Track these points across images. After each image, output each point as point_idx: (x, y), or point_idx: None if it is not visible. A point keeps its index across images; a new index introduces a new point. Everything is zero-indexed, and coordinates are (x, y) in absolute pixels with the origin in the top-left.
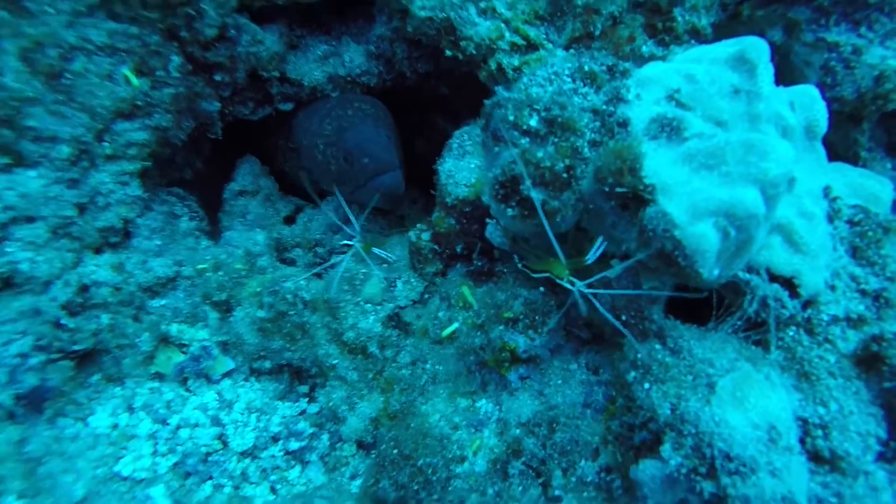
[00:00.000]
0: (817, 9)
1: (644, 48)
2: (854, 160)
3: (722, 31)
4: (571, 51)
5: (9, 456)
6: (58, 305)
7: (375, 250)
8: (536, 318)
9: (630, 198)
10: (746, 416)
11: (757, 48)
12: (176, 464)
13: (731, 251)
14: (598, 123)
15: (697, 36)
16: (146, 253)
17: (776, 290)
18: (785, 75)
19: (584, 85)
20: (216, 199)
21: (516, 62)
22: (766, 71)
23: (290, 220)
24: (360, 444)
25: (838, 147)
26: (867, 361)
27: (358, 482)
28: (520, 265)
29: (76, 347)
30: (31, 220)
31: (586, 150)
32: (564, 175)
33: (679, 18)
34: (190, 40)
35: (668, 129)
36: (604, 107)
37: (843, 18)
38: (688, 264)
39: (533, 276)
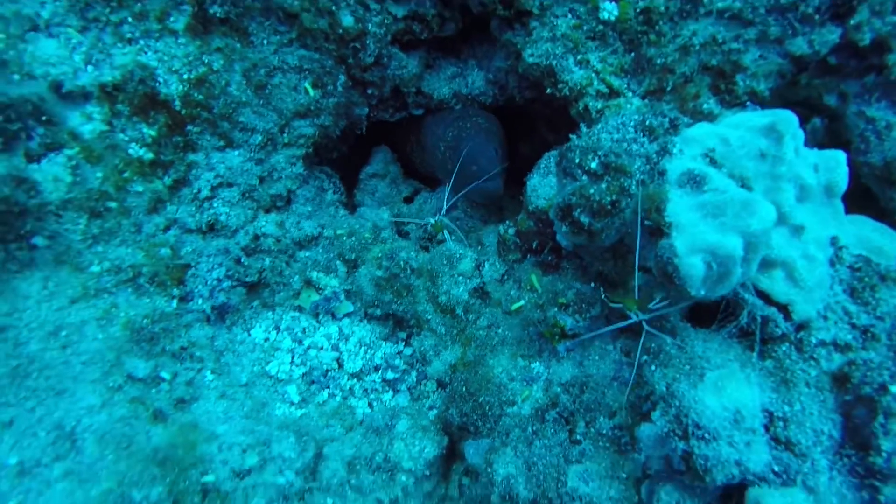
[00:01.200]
0: (863, 85)
1: (705, 105)
2: (892, 214)
3: (782, 93)
4: (646, 100)
5: (205, 346)
6: (240, 248)
7: (445, 221)
8: (584, 305)
9: (655, 229)
10: (720, 401)
11: (786, 121)
12: (304, 373)
13: (714, 279)
14: (647, 167)
15: (755, 98)
16: (300, 216)
17: (773, 312)
18: (839, 134)
19: (643, 135)
20: (354, 179)
21: (599, 105)
22: (792, 140)
23: (408, 200)
24: (440, 383)
25: (882, 201)
26: (840, 379)
27: (434, 413)
28: (603, 297)
29: (248, 279)
30: (230, 185)
31: (633, 188)
32: (609, 206)
33: (740, 83)
34: (353, 65)
35: (693, 182)
36: (654, 156)
37: (883, 97)
38: (681, 284)
39: (610, 304)
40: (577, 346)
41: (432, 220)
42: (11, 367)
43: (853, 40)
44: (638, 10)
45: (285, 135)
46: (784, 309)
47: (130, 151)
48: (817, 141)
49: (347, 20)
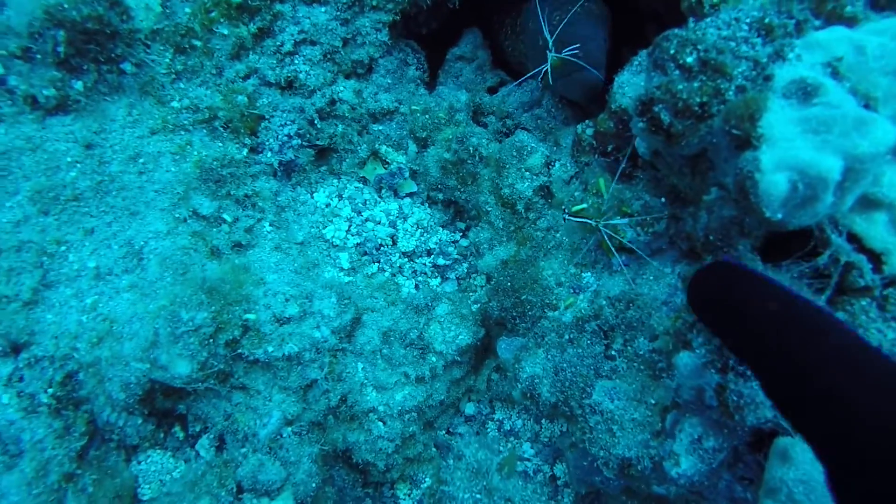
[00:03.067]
0: None
1: (849, 7)
2: None
3: None
4: None
5: (268, 198)
6: (314, 109)
7: (567, 52)
8: (648, 219)
9: (742, 140)
10: None
11: None
12: (358, 244)
13: (796, 202)
14: (753, 73)
15: None
16: (379, 87)
17: (861, 260)
18: None
19: (758, 35)
20: (440, 59)
21: (715, 0)
22: None
23: (492, 90)
24: (489, 278)
25: None
26: None
27: (477, 307)
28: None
29: (318, 142)
30: (313, 43)
31: (730, 93)
32: (697, 109)
33: None
34: None
35: (803, 92)
36: (764, 59)
37: None
38: (756, 202)
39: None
40: (633, 262)
41: (550, 56)
42: (96, 181)
43: None
44: None
45: None
46: (877, 259)
47: None
48: None
49: None
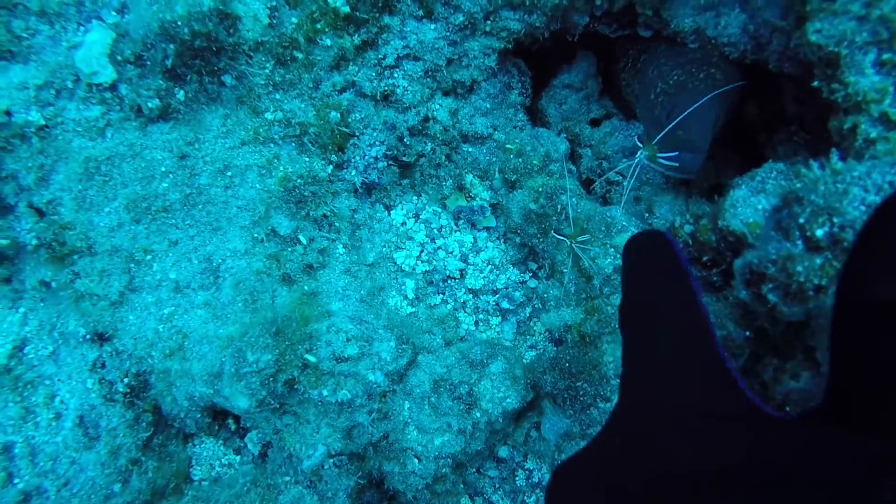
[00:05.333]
0: None
1: None
2: None
3: None
4: None
5: (345, 217)
6: (406, 126)
7: (660, 157)
8: (727, 352)
9: None
10: None
11: None
12: (426, 272)
13: None
14: None
15: None
16: (477, 110)
17: None
18: None
19: None
20: (547, 76)
21: (874, 134)
22: None
23: (595, 123)
24: (549, 333)
25: None
26: None
27: (532, 354)
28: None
29: (404, 159)
30: (416, 59)
31: None
32: (811, 292)
33: None
34: None
35: None
36: None
37: None
38: None
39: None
40: None
41: (640, 153)
42: (185, 194)
43: None
44: None
45: (489, 23)
46: None
47: (329, 0)
48: None
49: None
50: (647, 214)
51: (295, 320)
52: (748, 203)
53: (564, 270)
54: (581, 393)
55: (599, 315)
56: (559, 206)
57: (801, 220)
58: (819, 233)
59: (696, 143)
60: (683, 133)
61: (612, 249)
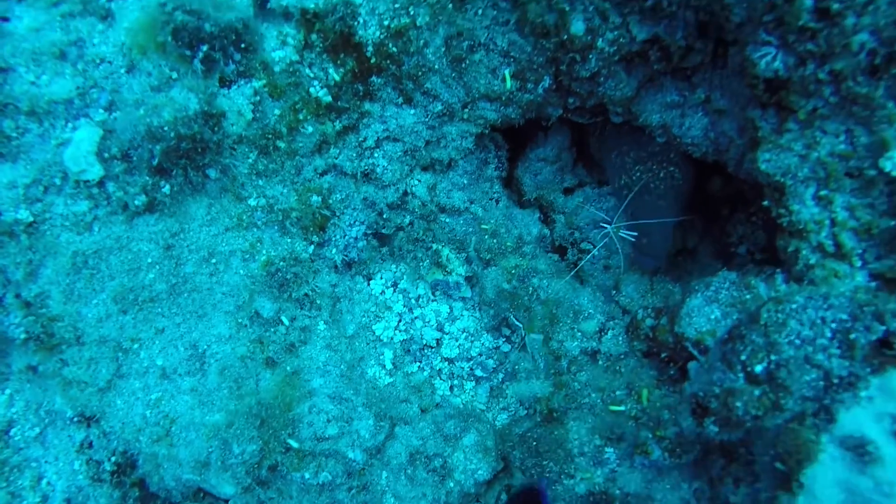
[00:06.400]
0: None
1: None
2: None
3: None
4: (874, 284)
5: (326, 293)
6: (386, 203)
7: (622, 233)
8: (679, 449)
9: (782, 475)
10: None
11: None
12: (404, 341)
13: None
14: (816, 393)
15: None
16: (454, 185)
17: None
18: None
19: (838, 347)
20: (522, 145)
21: (813, 260)
22: None
23: (568, 191)
24: (520, 400)
25: None
26: None
27: (505, 415)
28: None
29: (383, 231)
30: (396, 140)
31: (790, 403)
32: (747, 421)
33: None
34: (565, 72)
35: (857, 453)
36: (835, 380)
37: None
38: None
39: None
40: (654, 468)
41: (610, 228)
42: (171, 283)
43: None
44: None
45: (466, 111)
46: None
47: (311, 90)
48: None
49: (577, 27)
50: (614, 292)
51: (278, 407)
52: (702, 312)
53: (534, 353)
54: (547, 471)
55: (567, 391)
56: (531, 288)
57: (743, 357)
58: (758, 368)
59: (657, 251)
60: (646, 241)
61: (580, 333)
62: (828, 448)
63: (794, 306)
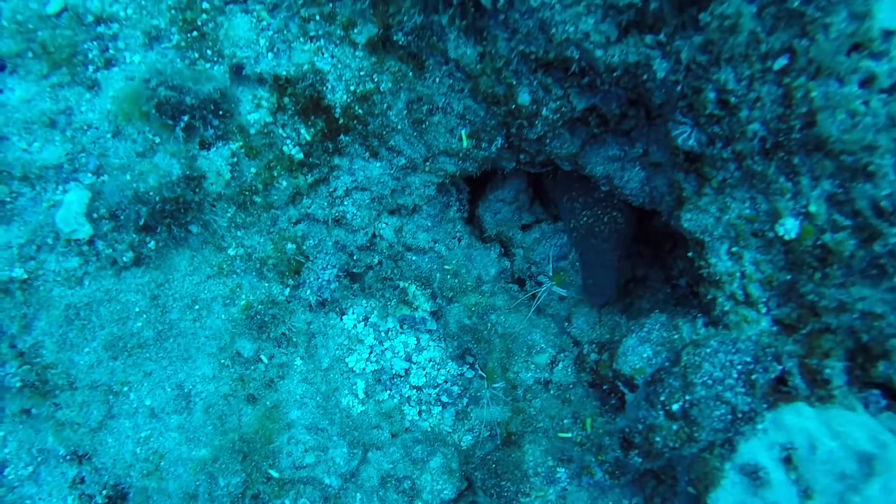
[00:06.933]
0: None
1: (828, 370)
2: None
3: None
4: (775, 329)
5: (302, 331)
6: (356, 245)
7: (555, 288)
8: (617, 471)
9: (693, 498)
10: None
11: (889, 464)
12: (375, 371)
13: None
14: (724, 425)
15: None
16: (419, 227)
17: None
18: None
19: (742, 386)
20: (483, 186)
21: (727, 307)
22: (881, 483)
23: (526, 227)
24: (483, 423)
25: None
26: None
27: (470, 437)
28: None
29: (354, 270)
30: (363, 189)
31: (703, 435)
32: (666, 453)
33: (880, 369)
34: (515, 134)
35: (753, 478)
36: (739, 415)
37: None
38: None
39: None
40: (598, 487)
41: (546, 281)
42: (158, 330)
43: None
44: (817, 244)
45: (427, 164)
46: None
47: (284, 149)
48: None
49: (524, 98)
50: (566, 324)
51: (259, 440)
52: (636, 352)
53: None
54: (505, 490)
55: (523, 416)
56: (489, 324)
57: (663, 398)
58: (675, 407)
59: (602, 290)
60: (592, 281)
61: (533, 365)
62: (729, 474)
63: (708, 350)
